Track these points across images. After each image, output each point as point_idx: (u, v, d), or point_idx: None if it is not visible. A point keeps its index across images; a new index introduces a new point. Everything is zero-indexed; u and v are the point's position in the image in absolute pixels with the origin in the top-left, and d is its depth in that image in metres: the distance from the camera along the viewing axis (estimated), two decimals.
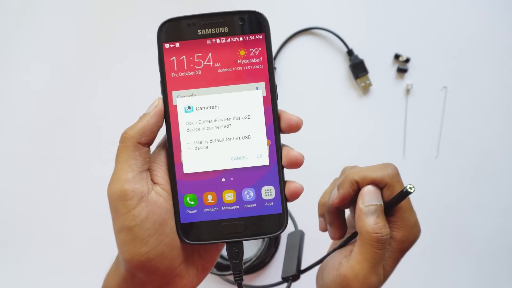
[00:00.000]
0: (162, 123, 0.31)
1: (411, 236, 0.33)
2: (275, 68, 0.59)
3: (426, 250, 0.58)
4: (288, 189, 0.31)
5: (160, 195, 0.29)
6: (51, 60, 0.60)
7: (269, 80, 0.32)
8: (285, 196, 0.31)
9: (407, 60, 0.58)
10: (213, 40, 0.31)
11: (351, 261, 0.32)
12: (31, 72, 0.60)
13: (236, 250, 0.31)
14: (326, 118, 0.59)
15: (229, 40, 0.31)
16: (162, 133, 0.32)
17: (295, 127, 0.33)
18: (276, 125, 0.32)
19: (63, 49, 0.60)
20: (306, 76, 0.59)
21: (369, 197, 0.32)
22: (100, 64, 0.60)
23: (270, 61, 0.32)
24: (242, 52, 0.31)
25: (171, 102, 0.31)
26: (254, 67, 0.31)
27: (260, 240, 0.58)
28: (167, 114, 0.31)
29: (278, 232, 0.31)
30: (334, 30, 0.58)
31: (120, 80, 0.59)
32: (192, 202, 0.31)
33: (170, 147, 0.31)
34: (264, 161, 0.31)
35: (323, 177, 0.58)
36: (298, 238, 0.48)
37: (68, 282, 0.59)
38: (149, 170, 0.30)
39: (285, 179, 0.32)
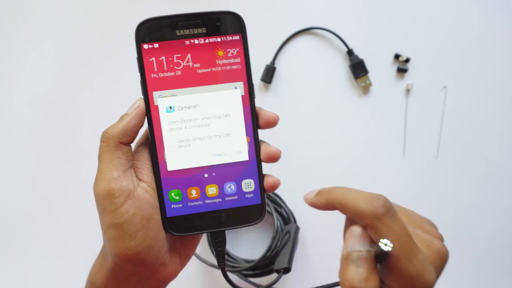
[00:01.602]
0: (143, 123, 0.31)
1: None
2: (275, 68, 0.59)
3: None
4: (267, 182, 0.33)
5: (146, 191, 0.31)
6: (51, 59, 0.60)
7: (247, 79, 0.33)
8: (263, 188, 0.33)
9: (407, 60, 0.58)
10: (192, 40, 0.32)
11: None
12: (30, 71, 0.60)
13: (219, 239, 0.34)
14: (326, 118, 0.59)
15: (207, 41, 0.32)
16: (142, 130, 0.33)
17: (272, 123, 0.33)
18: (255, 122, 0.33)
19: (63, 49, 0.60)
20: (306, 76, 0.59)
21: (352, 242, 0.26)
22: (100, 64, 0.60)
23: (248, 61, 0.33)
24: (220, 53, 0.32)
25: (152, 103, 0.32)
26: (232, 67, 0.33)
27: (267, 242, 0.58)
28: (149, 114, 0.32)
29: (258, 221, 0.33)
30: (334, 30, 0.58)
31: (119, 80, 0.59)
32: (177, 197, 0.32)
33: (154, 146, 0.32)
34: (244, 156, 0.33)
35: (323, 177, 0.58)
36: (293, 232, 0.50)
37: (68, 282, 0.59)
38: (134, 167, 0.31)
39: (264, 173, 0.34)
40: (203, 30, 0.32)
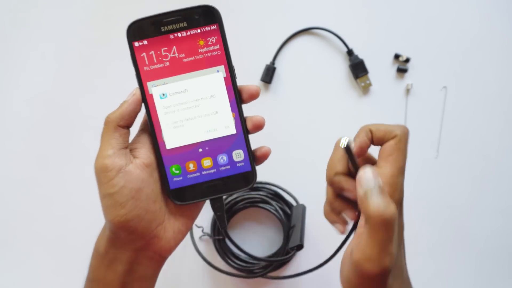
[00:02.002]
0: (139, 109, 0.36)
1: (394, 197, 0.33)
2: (275, 68, 0.59)
3: (426, 250, 0.58)
4: (260, 151, 0.38)
5: (137, 167, 0.35)
6: (51, 59, 0.60)
7: (227, 63, 0.37)
8: (252, 157, 0.38)
9: (407, 60, 0.58)
10: (175, 34, 0.36)
11: (361, 245, 0.32)
12: (31, 71, 0.60)
13: (218, 204, 0.38)
14: (326, 118, 0.59)
15: (189, 33, 0.36)
16: (140, 118, 0.37)
17: (255, 95, 0.37)
18: (238, 99, 0.37)
19: (63, 48, 0.60)
20: (306, 76, 0.59)
21: (366, 181, 0.32)
22: (100, 64, 0.60)
23: (226, 46, 0.37)
24: (201, 42, 0.36)
25: (147, 92, 0.36)
26: (213, 53, 0.36)
27: (281, 238, 0.59)
28: (146, 102, 0.36)
29: (250, 185, 0.38)
30: (334, 30, 0.58)
31: (120, 80, 0.59)
32: (177, 171, 0.37)
33: (152, 129, 0.36)
34: (232, 130, 0.37)
35: (323, 177, 0.58)
36: (300, 212, 0.54)
37: (68, 282, 0.59)
38: (133, 148, 0.36)
39: (257, 146, 0.38)
40: (184, 24, 0.36)
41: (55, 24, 0.60)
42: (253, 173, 0.38)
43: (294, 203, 0.58)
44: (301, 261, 0.58)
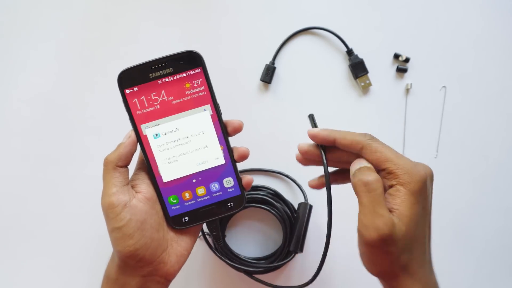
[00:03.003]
0: (135, 149, 0.39)
1: (414, 177, 0.35)
2: (275, 68, 0.59)
3: None
4: (243, 180, 0.42)
5: (140, 201, 0.38)
6: (51, 59, 0.60)
7: (212, 102, 0.40)
8: (240, 182, 0.42)
9: (407, 60, 0.58)
10: (163, 79, 0.39)
11: (359, 216, 0.35)
12: (31, 71, 0.60)
13: (213, 226, 0.44)
14: (326, 118, 0.59)
15: (175, 78, 0.39)
16: (137, 156, 0.41)
17: (238, 129, 0.41)
18: (225, 133, 0.41)
19: (63, 48, 0.60)
20: (306, 76, 0.59)
21: (359, 162, 0.38)
22: (100, 63, 0.60)
23: (210, 87, 0.40)
24: (188, 85, 0.40)
25: (141, 133, 0.40)
26: (199, 94, 0.40)
27: (279, 241, 0.59)
28: (141, 142, 0.40)
29: (241, 207, 0.42)
30: (334, 30, 0.59)
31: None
32: (175, 201, 0.41)
33: (149, 166, 0.40)
34: (221, 161, 0.41)
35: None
36: (306, 212, 0.55)
37: (68, 282, 0.59)
38: (133, 184, 0.40)
39: (242, 173, 0.43)
40: (170, 70, 0.39)
41: (55, 24, 0.60)
42: (242, 196, 0.42)
43: (294, 203, 0.58)
44: (297, 263, 0.58)
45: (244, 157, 0.42)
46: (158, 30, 0.60)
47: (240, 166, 0.59)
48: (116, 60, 0.59)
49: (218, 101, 0.40)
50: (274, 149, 0.59)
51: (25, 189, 0.59)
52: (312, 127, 0.42)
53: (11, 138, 0.60)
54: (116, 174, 0.38)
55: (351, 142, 0.39)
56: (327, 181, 0.40)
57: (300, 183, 0.58)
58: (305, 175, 0.59)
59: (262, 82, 0.59)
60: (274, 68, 0.59)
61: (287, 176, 0.58)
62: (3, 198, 0.59)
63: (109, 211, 0.37)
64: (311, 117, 0.44)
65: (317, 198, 0.57)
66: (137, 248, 0.37)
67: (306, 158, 0.42)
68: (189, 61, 0.39)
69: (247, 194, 0.56)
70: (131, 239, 0.37)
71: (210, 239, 0.57)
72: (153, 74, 0.39)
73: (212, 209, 0.42)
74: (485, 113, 0.59)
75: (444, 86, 0.59)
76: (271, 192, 0.57)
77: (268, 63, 0.59)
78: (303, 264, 0.58)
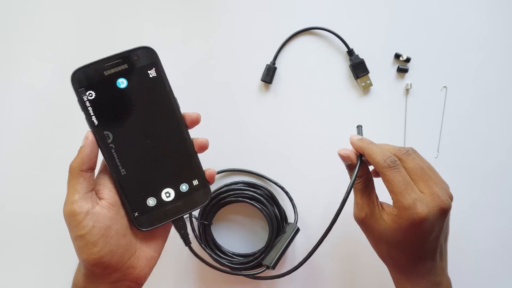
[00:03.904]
0: (97, 151, 0.38)
1: (408, 216, 0.39)
2: (275, 68, 0.59)
3: None
4: (206, 172, 0.42)
5: (104, 207, 0.37)
6: (51, 59, 0.60)
7: (169, 96, 0.40)
8: (204, 176, 0.41)
9: (408, 60, 0.58)
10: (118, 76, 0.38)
11: (391, 196, 0.40)
12: (31, 72, 0.60)
13: (181, 224, 0.42)
14: (327, 118, 0.59)
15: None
16: (101, 159, 0.39)
17: (195, 121, 0.41)
18: (183, 127, 0.40)
19: (63, 48, 0.60)
20: (307, 76, 0.59)
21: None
22: None
23: (167, 82, 0.40)
24: None
25: (100, 133, 0.38)
26: None
27: (265, 238, 0.59)
28: (101, 142, 0.38)
29: (206, 201, 0.42)
30: (335, 30, 0.58)
31: None
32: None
33: (110, 166, 0.39)
34: None
35: (323, 177, 0.59)
36: (292, 232, 0.55)
37: (69, 281, 0.59)
38: (96, 190, 0.38)
39: (208, 167, 0.42)
40: (125, 66, 0.38)
41: (55, 25, 0.60)
42: (207, 190, 0.42)
43: (290, 203, 0.58)
44: (281, 262, 0.58)
45: (203, 147, 0.41)
46: (158, 31, 0.60)
47: (239, 167, 0.59)
48: None
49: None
50: (274, 150, 0.59)
51: (25, 189, 0.60)
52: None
53: (11, 138, 0.60)
54: (80, 180, 0.37)
55: (372, 163, 0.42)
56: (351, 186, 0.43)
57: (296, 202, 0.58)
58: (301, 191, 0.59)
59: (262, 82, 0.59)
60: (275, 68, 0.59)
61: (284, 191, 0.58)
62: (3, 198, 0.60)
63: (71, 219, 0.36)
64: (359, 128, 0.48)
65: (306, 223, 0.58)
66: (102, 256, 0.36)
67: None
68: (143, 56, 0.39)
69: (245, 192, 0.56)
70: (95, 246, 0.36)
71: (196, 228, 0.57)
72: (108, 71, 0.38)
73: (178, 206, 0.41)
74: (486, 113, 0.59)
75: (445, 86, 0.59)
76: (268, 193, 0.57)
77: (268, 63, 0.59)
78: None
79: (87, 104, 0.38)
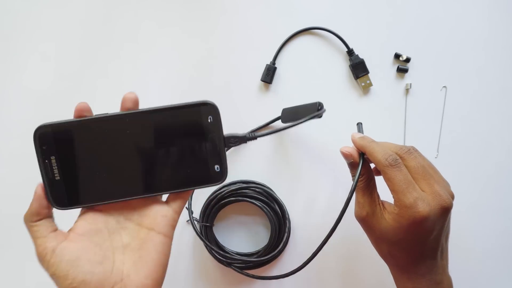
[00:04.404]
0: (45, 203, 0.38)
1: (409, 215, 0.39)
2: (275, 68, 0.59)
3: None
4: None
5: (71, 240, 0.37)
6: (51, 59, 0.60)
7: None
8: None
9: (408, 60, 0.58)
10: None
11: (392, 195, 0.41)
12: (31, 72, 0.60)
13: None
14: (327, 118, 0.59)
15: None
16: None
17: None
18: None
19: (64, 48, 0.60)
20: (307, 76, 0.59)
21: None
22: (100, 63, 0.60)
23: None
24: None
25: None
26: None
27: (267, 234, 0.59)
28: None
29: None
30: (335, 30, 0.59)
31: (120, 80, 0.60)
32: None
33: None
34: None
35: (323, 177, 0.59)
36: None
37: None
38: (76, 221, 0.39)
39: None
40: None
41: (55, 24, 0.60)
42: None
43: (284, 205, 0.58)
44: (283, 261, 0.58)
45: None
46: (158, 30, 0.60)
47: (239, 167, 0.59)
48: (117, 60, 0.60)
49: None
50: (274, 150, 0.59)
51: (26, 190, 0.59)
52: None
53: (11, 138, 0.60)
54: (36, 228, 0.38)
55: (373, 161, 0.43)
56: (355, 185, 0.43)
57: (296, 202, 0.58)
58: (301, 191, 0.59)
59: (262, 82, 0.59)
60: (275, 68, 0.59)
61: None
62: (3, 198, 0.60)
63: (41, 261, 0.37)
64: (359, 125, 0.49)
65: (306, 223, 0.58)
66: (75, 287, 0.36)
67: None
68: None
69: (244, 189, 0.56)
70: (66, 279, 0.36)
71: (198, 226, 0.57)
72: None
73: None
74: (486, 113, 0.59)
75: (444, 86, 0.59)
76: (266, 191, 0.57)
77: (268, 63, 0.59)
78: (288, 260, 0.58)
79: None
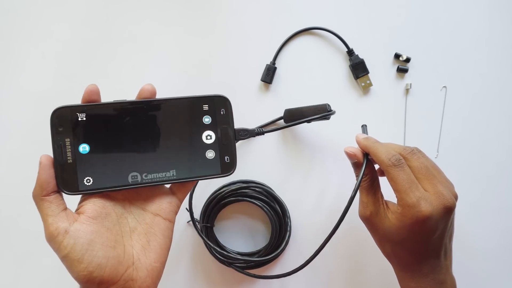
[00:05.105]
0: (53, 173, 0.37)
1: (411, 214, 0.40)
2: (275, 68, 0.59)
3: None
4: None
5: (83, 222, 0.36)
6: (50, 59, 0.60)
7: None
8: None
9: (408, 60, 0.59)
10: None
11: (395, 195, 0.41)
12: (31, 72, 0.60)
13: None
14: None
15: None
16: None
17: (93, 92, 0.39)
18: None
19: (64, 48, 0.60)
20: (306, 76, 0.59)
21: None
22: (100, 63, 0.60)
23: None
24: None
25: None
26: None
27: (268, 234, 0.59)
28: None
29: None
30: (335, 30, 0.59)
31: (120, 80, 0.60)
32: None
33: None
34: None
35: (323, 177, 0.59)
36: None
37: (69, 281, 0.59)
38: (78, 207, 0.38)
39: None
40: None
41: (55, 23, 0.60)
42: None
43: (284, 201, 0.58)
44: (285, 261, 0.58)
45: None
46: (158, 30, 0.60)
47: (239, 167, 0.59)
48: (117, 59, 0.59)
49: None
50: (274, 150, 0.59)
51: (26, 190, 0.59)
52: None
53: (11, 138, 0.60)
54: (46, 205, 0.36)
55: (377, 161, 0.43)
56: (358, 184, 0.44)
57: (297, 201, 0.58)
58: (302, 191, 0.59)
59: (262, 82, 0.59)
60: (275, 68, 0.59)
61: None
62: (3, 198, 0.59)
63: (52, 242, 0.35)
64: (364, 127, 0.50)
65: (308, 222, 0.58)
66: (91, 271, 0.35)
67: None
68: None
69: (244, 189, 0.56)
70: (81, 263, 0.35)
71: (198, 227, 0.57)
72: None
73: None
74: (485, 113, 0.59)
75: (444, 86, 0.59)
76: (266, 190, 0.57)
77: (268, 63, 0.59)
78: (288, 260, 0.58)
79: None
